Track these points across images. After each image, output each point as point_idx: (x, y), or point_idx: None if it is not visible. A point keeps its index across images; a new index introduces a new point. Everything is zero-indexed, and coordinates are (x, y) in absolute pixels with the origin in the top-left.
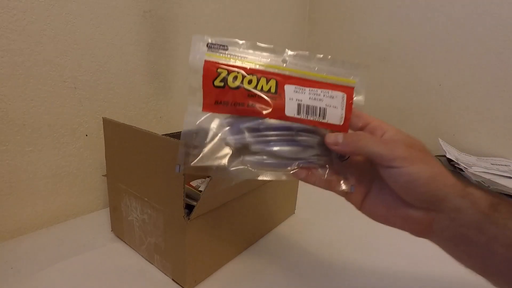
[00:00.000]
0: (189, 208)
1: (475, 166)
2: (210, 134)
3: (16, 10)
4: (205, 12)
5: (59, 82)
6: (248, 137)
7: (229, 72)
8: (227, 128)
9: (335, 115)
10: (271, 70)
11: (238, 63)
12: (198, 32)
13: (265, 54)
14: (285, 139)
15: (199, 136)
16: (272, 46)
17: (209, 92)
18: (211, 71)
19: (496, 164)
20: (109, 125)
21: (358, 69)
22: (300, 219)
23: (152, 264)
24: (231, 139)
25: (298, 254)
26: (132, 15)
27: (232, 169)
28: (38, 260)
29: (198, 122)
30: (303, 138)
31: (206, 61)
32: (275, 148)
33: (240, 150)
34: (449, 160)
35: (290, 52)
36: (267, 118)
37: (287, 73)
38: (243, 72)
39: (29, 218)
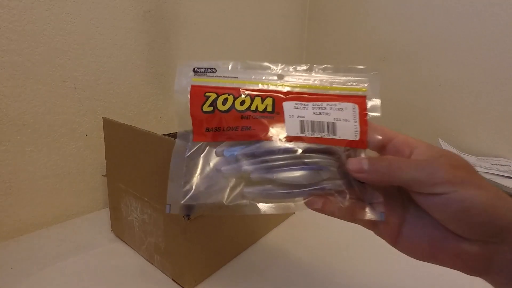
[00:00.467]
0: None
1: (475, 166)
2: (202, 166)
3: (16, 10)
4: (205, 12)
5: (59, 82)
6: (245, 164)
7: (218, 95)
8: (221, 157)
9: (348, 129)
10: (266, 87)
11: (228, 84)
12: (198, 32)
13: (258, 71)
14: (290, 163)
15: (189, 169)
16: (265, 62)
17: (198, 119)
18: (198, 96)
19: (496, 164)
20: (109, 125)
21: (368, 75)
22: (300, 219)
23: (152, 264)
24: (226, 169)
25: (298, 254)
26: (132, 15)
27: (230, 204)
28: (38, 260)
29: (188, 154)
30: (311, 160)
31: (192, 86)
32: (280, 175)
33: (238, 181)
34: None
35: (286, 67)
36: (266, 141)
37: (284, 89)
38: (234, 93)
39: (29, 218)
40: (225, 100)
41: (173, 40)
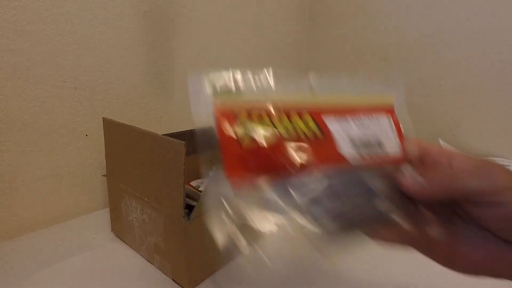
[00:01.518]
0: (189, 208)
1: None
2: (250, 206)
3: (16, 10)
4: (205, 12)
5: (59, 82)
6: (297, 197)
7: (250, 114)
8: (270, 191)
9: (392, 144)
10: (300, 102)
11: (256, 102)
12: (198, 32)
13: (285, 83)
14: (345, 190)
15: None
16: (290, 71)
17: (235, 155)
18: (227, 117)
19: None
20: (109, 125)
21: (390, 82)
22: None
23: (152, 264)
24: (278, 207)
25: (298, 254)
26: (132, 15)
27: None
28: (38, 260)
29: (224, 195)
30: (371, 183)
31: (216, 107)
32: (335, 209)
33: (292, 219)
34: None
35: (313, 77)
36: (315, 168)
37: (319, 102)
38: (268, 113)
39: (29, 218)
40: (260, 118)
41: (173, 40)
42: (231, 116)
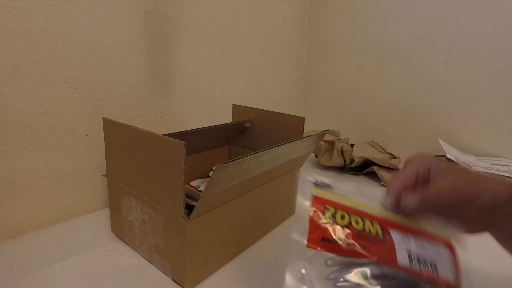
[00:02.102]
0: (189, 208)
1: (475, 166)
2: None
3: (16, 10)
4: (205, 12)
5: (59, 82)
6: (360, 280)
7: (336, 209)
8: (334, 269)
9: (447, 271)
10: (373, 213)
11: (342, 202)
12: (198, 32)
13: (366, 197)
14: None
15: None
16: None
17: (316, 228)
18: (319, 206)
19: (496, 164)
20: (109, 125)
21: (456, 232)
22: (300, 219)
23: (152, 264)
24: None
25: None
26: (132, 15)
27: None
28: (38, 260)
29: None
30: None
31: (314, 196)
32: None
33: None
34: (449, 160)
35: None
36: (378, 263)
37: (387, 217)
38: (348, 211)
39: (29, 218)
40: (343, 217)
41: (173, 40)
42: (322, 202)
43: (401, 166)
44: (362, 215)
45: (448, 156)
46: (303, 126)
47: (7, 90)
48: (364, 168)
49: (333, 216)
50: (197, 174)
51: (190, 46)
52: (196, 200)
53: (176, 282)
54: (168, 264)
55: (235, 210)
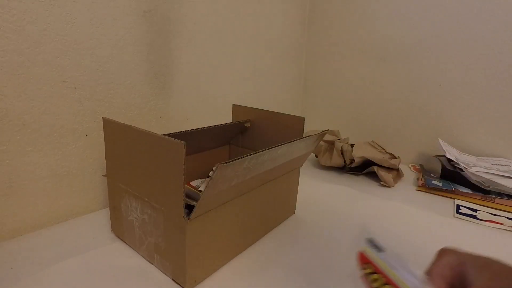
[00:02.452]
0: (189, 208)
1: (475, 166)
2: None
3: (16, 10)
4: (205, 12)
5: (59, 82)
6: None
7: (373, 273)
8: None
9: None
10: None
11: (386, 272)
12: (198, 32)
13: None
14: None
15: None
16: None
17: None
18: (362, 261)
19: (496, 164)
20: (109, 125)
21: None
22: (300, 219)
23: (152, 264)
24: None
25: (298, 254)
26: (132, 15)
27: None
28: (38, 260)
29: None
30: None
31: (360, 253)
32: None
33: None
34: (449, 160)
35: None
36: None
37: None
38: (384, 280)
39: (29, 218)
40: (376, 280)
41: (173, 40)
42: (364, 261)
43: (401, 166)
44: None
45: (448, 156)
46: (303, 126)
47: (7, 90)
48: (364, 168)
49: (368, 274)
50: (197, 174)
51: (190, 46)
52: (196, 200)
53: (176, 282)
54: (168, 264)
55: (235, 210)
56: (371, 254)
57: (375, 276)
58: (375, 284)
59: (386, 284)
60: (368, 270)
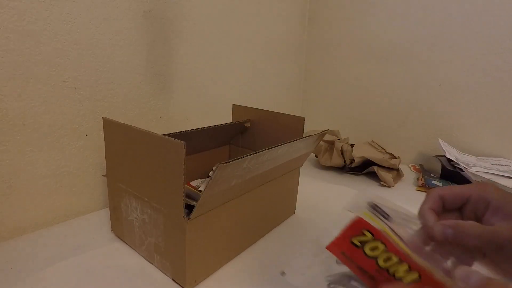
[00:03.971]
0: (189, 208)
1: (475, 166)
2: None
3: (16, 10)
4: (205, 12)
5: (59, 82)
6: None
7: (374, 239)
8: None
9: None
10: (420, 262)
11: (388, 237)
12: (198, 32)
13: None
14: None
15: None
16: None
17: (342, 241)
18: (356, 229)
19: (496, 164)
20: (109, 125)
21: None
22: (300, 219)
23: (152, 264)
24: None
25: (298, 254)
26: (132, 15)
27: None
28: (38, 260)
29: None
30: None
31: (357, 217)
32: None
33: None
34: (449, 160)
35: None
36: None
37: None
38: (387, 247)
39: (29, 218)
40: (375, 248)
41: (173, 40)
42: (362, 227)
43: (401, 166)
44: (403, 257)
45: (448, 156)
46: (303, 126)
47: (7, 90)
48: (364, 168)
49: (364, 243)
50: (197, 174)
51: (190, 46)
52: (196, 200)
53: (176, 282)
54: (168, 264)
55: (235, 210)
56: (376, 221)
57: (373, 243)
58: (372, 253)
59: (387, 251)
60: (362, 238)
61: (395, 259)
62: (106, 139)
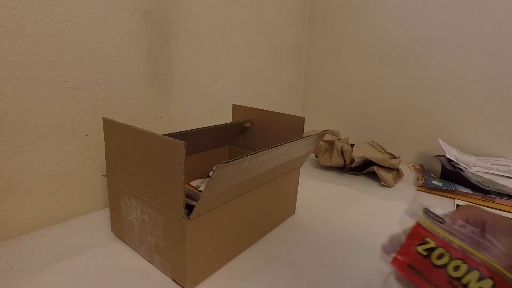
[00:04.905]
0: (189, 208)
1: (475, 166)
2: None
3: (16, 10)
4: (205, 12)
5: (59, 82)
6: None
7: (437, 246)
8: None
9: None
10: (491, 265)
11: (450, 243)
12: (198, 32)
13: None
14: None
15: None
16: None
17: (407, 252)
18: (418, 236)
19: (496, 164)
20: (109, 125)
21: None
22: (300, 219)
23: (152, 264)
24: None
25: (298, 254)
26: (132, 15)
27: None
28: (38, 260)
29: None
30: None
31: (417, 223)
32: None
33: None
34: (449, 160)
35: None
36: None
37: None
38: (452, 253)
39: (29, 218)
40: (441, 255)
41: (173, 40)
42: (423, 234)
43: (401, 166)
44: (473, 263)
45: (448, 156)
46: (303, 126)
47: (7, 90)
48: (364, 168)
49: (430, 251)
50: (197, 174)
51: (190, 46)
52: (196, 200)
53: (176, 282)
54: (168, 264)
55: (235, 210)
56: (433, 227)
57: (440, 250)
58: (440, 261)
59: (454, 259)
60: (427, 246)
61: (464, 266)
62: (106, 139)
